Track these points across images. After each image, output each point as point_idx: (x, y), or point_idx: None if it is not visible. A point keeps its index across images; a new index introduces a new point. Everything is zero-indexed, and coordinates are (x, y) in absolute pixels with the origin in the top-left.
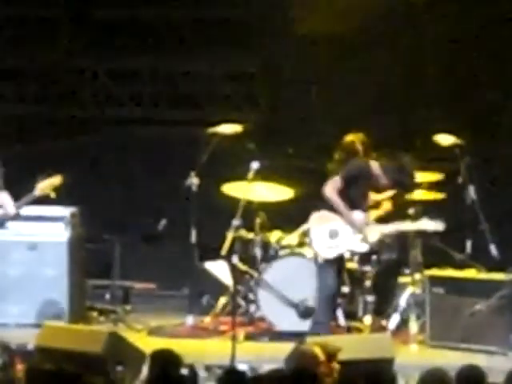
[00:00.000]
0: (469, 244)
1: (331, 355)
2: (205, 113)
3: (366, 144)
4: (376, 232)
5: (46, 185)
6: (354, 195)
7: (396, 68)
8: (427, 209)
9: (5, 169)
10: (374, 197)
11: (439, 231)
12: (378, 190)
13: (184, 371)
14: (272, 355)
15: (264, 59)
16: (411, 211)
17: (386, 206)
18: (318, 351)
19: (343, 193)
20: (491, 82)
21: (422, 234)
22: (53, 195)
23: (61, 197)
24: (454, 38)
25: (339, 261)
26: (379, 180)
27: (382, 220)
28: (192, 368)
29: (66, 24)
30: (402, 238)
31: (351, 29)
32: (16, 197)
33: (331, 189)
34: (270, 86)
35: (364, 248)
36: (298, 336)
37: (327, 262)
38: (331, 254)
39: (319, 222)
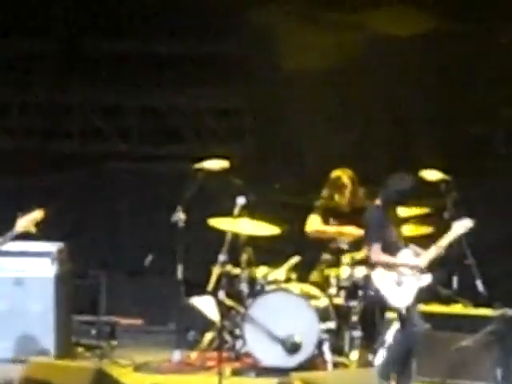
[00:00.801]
0: (455, 279)
1: None
2: (191, 148)
3: (354, 180)
4: (427, 258)
5: (26, 220)
6: (389, 239)
7: (383, 103)
8: (414, 243)
9: None
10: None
11: (472, 227)
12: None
13: None
14: None
15: (251, 95)
16: None
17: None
18: None
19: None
20: (477, 117)
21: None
22: (34, 231)
23: (47, 232)
24: (439, 72)
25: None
26: None
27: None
28: None
29: (54, 59)
30: None
31: (337, 65)
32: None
33: (376, 255)
34: (257, 122)
35: (428, 278)
36: (284, 372)
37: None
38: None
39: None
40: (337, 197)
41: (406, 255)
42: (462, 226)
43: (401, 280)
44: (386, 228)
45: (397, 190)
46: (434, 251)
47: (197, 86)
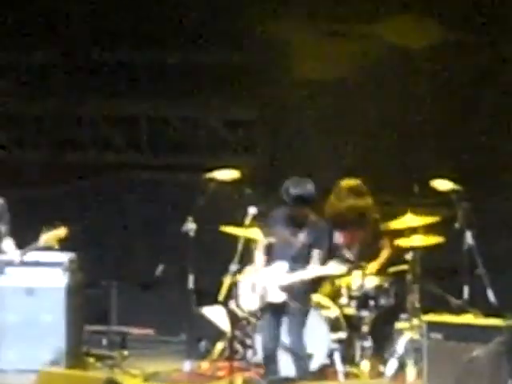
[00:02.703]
0: (466, 289)
1: None
2: (203, 158)
3: (358, 189)
4: (289, 279)
5: (50, 236)
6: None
7: (395, 113)
8: (424, 254)
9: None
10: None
11: (343, 274)
12: None
13: None
14: None
15: (263, 106)
16: (408, 256)
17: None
18: None
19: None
20: (489, 128)
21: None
22: (56, 246)
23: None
24: (450, 82)
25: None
26: None
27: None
28: None
29: (66, 71)
30: (399, 284)
31: (349, 75)
32: (16, 242)
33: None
34: (268, 133)
35: (281, 298)
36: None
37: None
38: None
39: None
40: (341, 203)
41: (277, 267)
42: (336, 269)
43: (255, 287)
44: (271, 229)
45: (287, 190)
46: (298, 276)
47: (209, 97)
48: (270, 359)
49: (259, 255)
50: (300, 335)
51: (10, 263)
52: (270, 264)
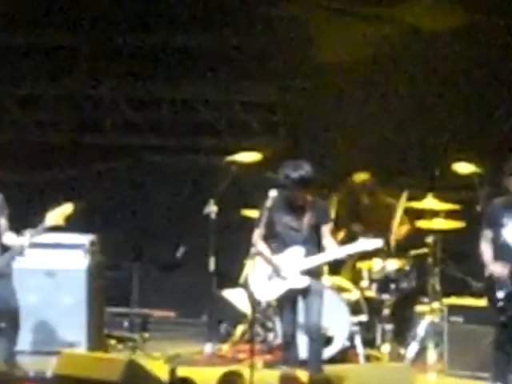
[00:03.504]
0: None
1: None
2: (224, 141)
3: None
4: (309, 264)
5: (56, 214)
6: (277, 228)
7: (415, 96)
8: (446, 237)
9: (9, 210)
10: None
11: (379, 247)
12: None
13: None
14: None
15: (284, 88)
16: (429, 239)
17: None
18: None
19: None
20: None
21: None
22: (63, 224)
23: (80, 224)
24: (469, 64)
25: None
26: None
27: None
28: None
29: (86, 51)
30: (419, 267)
31: (368, 58)
32: (35, 224)
33: (254, 241)
34: (290, 115)
35: (304, 283)
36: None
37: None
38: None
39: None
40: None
41: (293, 253)
42: (368, 244)
43: (273, 275)
44: (275, 215)
45: (288, 175)
46: (321, 259)
47: (230, 80)
48: (290, 344)
49: (261, 245)
50: (321, 317)
51: (27, 247)
52: (283, 251)
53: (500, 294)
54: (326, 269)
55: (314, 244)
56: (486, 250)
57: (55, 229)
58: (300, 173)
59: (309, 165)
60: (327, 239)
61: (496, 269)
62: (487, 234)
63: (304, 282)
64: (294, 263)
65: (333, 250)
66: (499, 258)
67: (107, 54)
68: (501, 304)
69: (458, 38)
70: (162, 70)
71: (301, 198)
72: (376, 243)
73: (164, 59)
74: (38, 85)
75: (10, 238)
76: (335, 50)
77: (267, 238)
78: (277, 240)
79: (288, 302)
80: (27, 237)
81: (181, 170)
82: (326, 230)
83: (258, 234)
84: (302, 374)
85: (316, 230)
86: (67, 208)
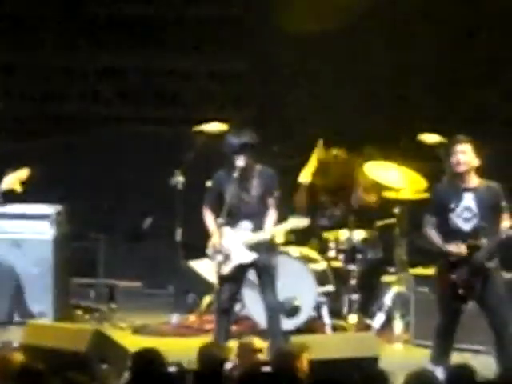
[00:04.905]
0: None
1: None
2: (191, 111)
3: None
4: (251, 239)
5: (11, 178)
6: (228, 201)
7: (384, 67)
8: (412, 208)
9: None
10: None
11: (306, 226)
12: None
13: (171, 369)
14: None
15: (251, 58)
16: (396, 210)
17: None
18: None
19: None
20: (482, 81)
21: None
22: (19, 189)
23: (46, 195)
24: (444, 35)
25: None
26: None
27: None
28: (180, 366)
29: (53, 21)
30: (386, 237)
31: (340, 28)
32: None
33: (204, 217)
34: (257, 85)
35: (249, 258)
36: (283, 334)
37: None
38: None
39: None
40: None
41: (241, 227)
42: (297, 223)
43: (222, 250)
44: (224, 188)
45: (230, 143)
46: (260, 236)
47: (197, 50)
48: (223, 318)
49: (209, 220)
50: (276, 292)
51: None
52: (234, 225)
53: (458, 279)
54: (293, 239)
55: (263, 216)
56: (434, 234)
57: (22, 200)
58: (242, 138)
59: (252, 131)
60: (269, 214)
61: (453, 248)
62: (431, 220)
63: (250, 257)
64: (241, 238)
65: (266, 228)
66: (452, 243)
67: (74, 23)
68: (461, 292)
69: (429, 6)
70: (130, 39)
71: (246, 166)
72: (303, 222)
73: (132, 29)
74: (6, 54)
75: None
76: (304, 19)
77: (217, 211)
78: (230, 213)
79: (234, 277)
80: None
81: (147, 140)
82: (271, 201)
83: (206, 209)
84: (260, 343)
85: (264, 202)
86: (22, 173)
